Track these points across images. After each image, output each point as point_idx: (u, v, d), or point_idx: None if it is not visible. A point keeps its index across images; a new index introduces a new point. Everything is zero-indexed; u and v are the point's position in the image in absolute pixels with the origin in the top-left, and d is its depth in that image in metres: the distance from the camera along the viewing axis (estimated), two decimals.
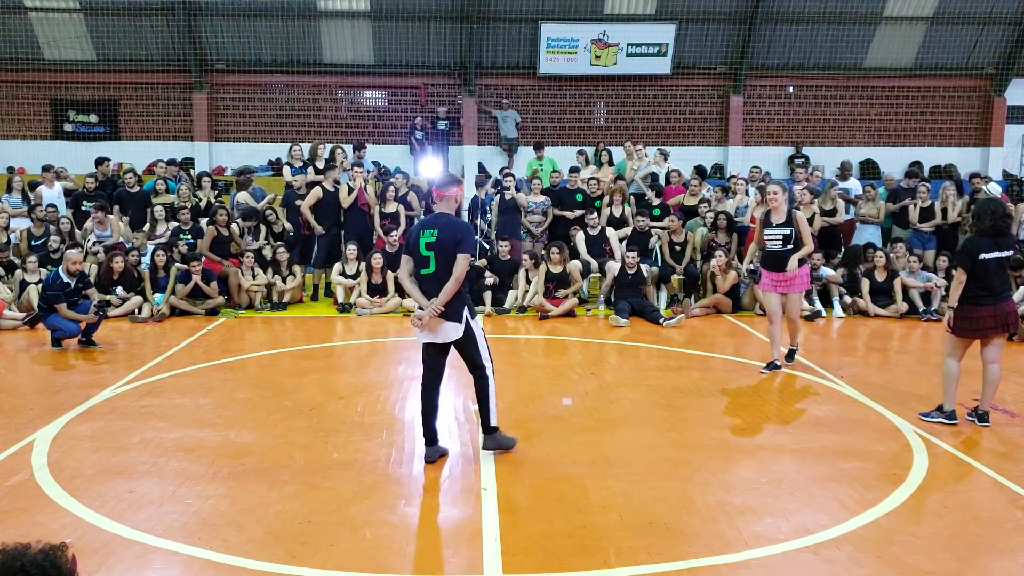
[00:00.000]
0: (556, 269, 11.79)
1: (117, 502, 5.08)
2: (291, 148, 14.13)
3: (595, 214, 12.74)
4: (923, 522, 4.97)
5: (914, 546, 4.60)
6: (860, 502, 5.16)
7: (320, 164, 13.47)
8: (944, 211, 13.21)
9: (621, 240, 12.79)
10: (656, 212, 13.21)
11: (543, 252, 12.23)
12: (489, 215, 13.77)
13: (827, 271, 12.11)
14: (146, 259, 12.19)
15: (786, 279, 8.42)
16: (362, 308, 11.73)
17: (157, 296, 11.60)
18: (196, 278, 11.49)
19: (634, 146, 15.09)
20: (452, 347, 5.89)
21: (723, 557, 4.44)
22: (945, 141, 20.33)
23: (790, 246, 8.35)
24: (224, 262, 12.35)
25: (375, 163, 17.05)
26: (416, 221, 13.78)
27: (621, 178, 14.58)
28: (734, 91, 19.79)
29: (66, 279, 9.59)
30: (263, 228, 13.14)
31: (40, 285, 10.37)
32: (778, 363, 8.55)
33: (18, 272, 11.60)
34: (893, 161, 19.13)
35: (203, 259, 11.84)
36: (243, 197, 13.58)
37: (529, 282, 11.93)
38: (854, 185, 14.39)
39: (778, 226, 8.39)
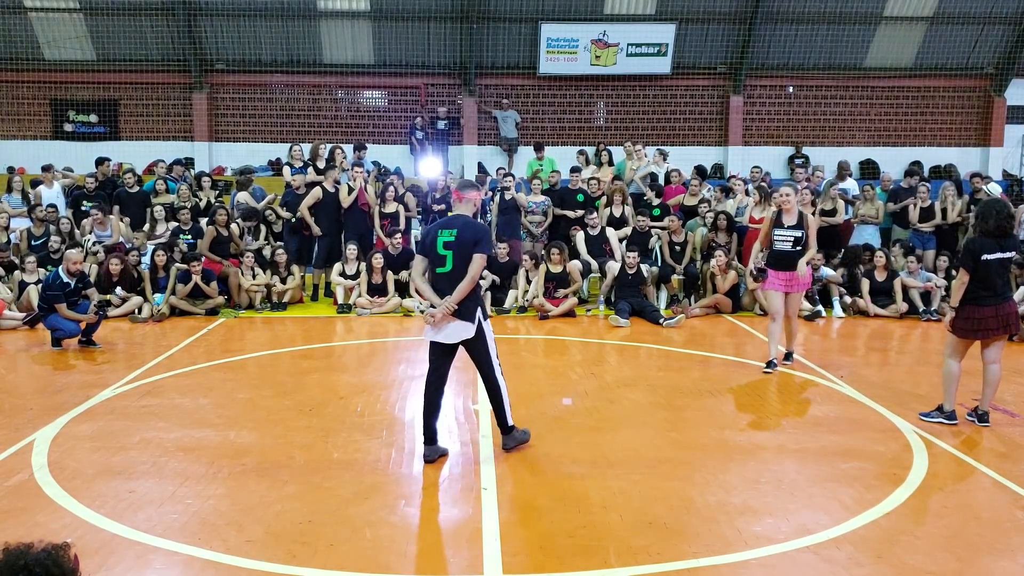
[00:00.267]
0: (556, 269, 11.79)
1: (117, 502, 5.08)
2: (291, 148, 14.13)
3: (595, 214, 12.74)
4: (923, 522, 4.97)
5: (914, 546, 4.60)
6: (860, 502, 5.16)
7: (321, 164, 13.47)
8: (944, 211, 13.21)
9: (621, 240, 12.79)
10: (656, 212, 13.21)
11: (543, 252, 12.23)
12: (489, 215, 13.77)
13: (827, 271, 12.11)
14: (146, 259, 12.18)
15: (793, 278, 8.52)
16: (362, 308, 11.73)
17: (157, 296, 11.60)
18: (196, 278, 11.49)
19: (634, 146, 15.09)
20: (461, 349, 5.88)
21: (723, 557, 4.44)
22: (945, 141, 20.34)
23: (799, 247, 8.46)
24: (224, 262, 12.35)
25: (375, 163, 17.05)
26: (414, 221, 13.89)
27: (619, 178, 14.59)
28: (734, 91, 19.80)
29: (66, 279, 9.59)
30: (263, 228, 13.14)
31: (40, 285, 10.37)
32: (775, 362, 8.60)
33: (17, 272, 11.60)
34: (893, 161, 19.14)
35: (203, 259, 11.84)
36: (243, 197, 13.58)
37: (529, 282, 11.93)
38: (852, 185, 14.38)
39: (789, 227, 8.47)
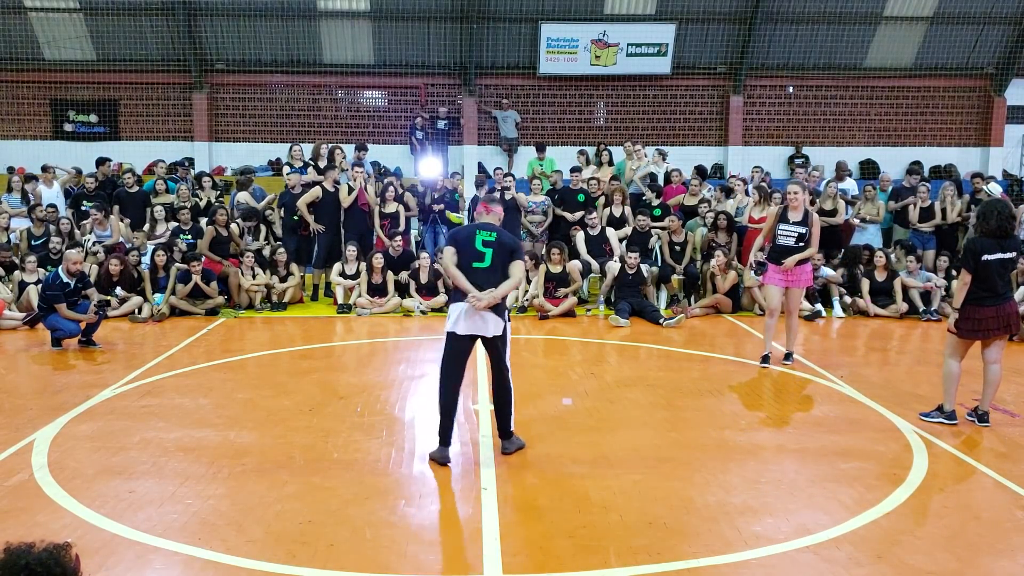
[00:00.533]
0: (556, 269, 11.79)
1: (117, 502, 5.08)
2: (291, 148, 14.13)
3: (594, 214, 12.74)
4: (923, 522, 4.98)
5: (914, 546, 4.60)
6: (860, 502, 5.16)
7: (323, 164, 13.47)
8: (944, 211, 13.20)
9: (621, 240, 12.79)
10: (657, 212, 13.21)
11: (543, 252, 12.23)
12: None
13: (827, 271, 12.11)
14: (146, 259, 12.18)
15: (793, 273, 8.62)
16: (362, 308, 11.73)
17: (157, 296, 11.60)
18: (196, 278, 11.49)
19: (634, 146, 15.10)
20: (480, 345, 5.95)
21: (723, 557, 4.45)
22: (945, 141, 20.34)
23: (802, 244, 8.58)
24: (224, 262, 12.35)
25: (374, 164, 17.05)
26: (414, 221, 13.88)
27: (616, 178, 14.59)
28: (734, 91, 19.79)
29: (66, 279, 9.58)
30: (263, 228, 13.13)
31: (40, 285, 10.37)
32: (770, 356, 8.77)
33: (17, 272, 11.59)
34: (893, 161, 19.13)
35: (203, 259, 11.84)
36: (243, 197, 13.58)
37: (529, 282, 11.93)
38: (851, 186, 14.38)
39: (795, 223, 8.61)
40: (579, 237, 12.70)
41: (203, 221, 12.85)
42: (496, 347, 5.91)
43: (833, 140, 20.20)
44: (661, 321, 11.04)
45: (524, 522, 4.89)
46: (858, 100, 20.19)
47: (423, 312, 11.72)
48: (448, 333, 5.88)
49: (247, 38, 18.96)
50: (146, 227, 13.01)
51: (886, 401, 7.42)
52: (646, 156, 15.04)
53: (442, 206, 13.75)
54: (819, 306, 11.86)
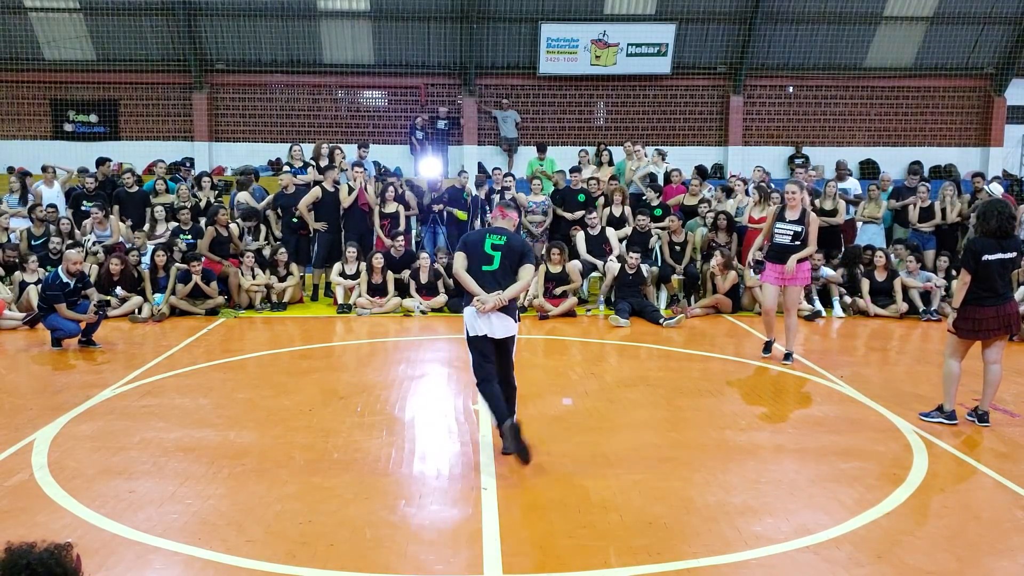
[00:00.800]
0: (556, 269, 11.79)
1: (117, 502, 5.08)
2: (291, 148, 14.13)
3: (594, 214, 12.74)
4: (923, 522, 4.98)
5: (914, 546, 4.60)
6: (860, 502, 5.16)
7: (324, 163, 13.47)
8: (944, 211, 13.20)
9: (621, 240, 12.79)
10: (657, 212, 13.21)
11: (543, 252, 12.23)
12: (488, 215, 13.77)
13: (827, 271, 12.11)
14: (146, 259, 12.18)
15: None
16: (362, 308, 11.73)
17: (157, 296, 11.60)
18: (196, 278, 11.48)
19: (633, 146, 15.10)
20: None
21: (723, 557, 4.45)
22: (945, 141, 20.35)
23: (798, 243, 8.70)
24: (224, 262, 12.35)
25: (375, 163, 17.04)
26: (413, 221, 13.88)
27: (615, 179, 14.58)
28: (734, 91, 19.80)
29: (65, 279, 9.58)
30: (263, 228, 13.13)
31: (40, 285, 10.37)
32: (772, 341, 9.06)
33: (18, 272, 11.59)
34: (893, 161, 19.15)
35: (203, 259, 11.84)
36: (243, 197, 13.57)
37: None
38: (852, 185, 14.38)
39: (791, 222, 8.74)
40: (579, 237, 12.69)
41: (203, 221, 12.85)
42: (506, 347, 6.00)
43: (833, 140, 20.22)
44: (661, 321, 11.04)
45: (524, 522, 4.90)
46: (858, 100, 20.20)
47: (423, 312, 11.72)
48: (469, 338, 5.96)
49: (247, 38, 18.97)
50: (146, 227, 13.00)
51: (886, 401, 7.42)
52: (646, 156, 15.04)
53: (441, 206, 13.76)
54: (819, 306, 11.86)
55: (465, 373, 7.72)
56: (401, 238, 12.46)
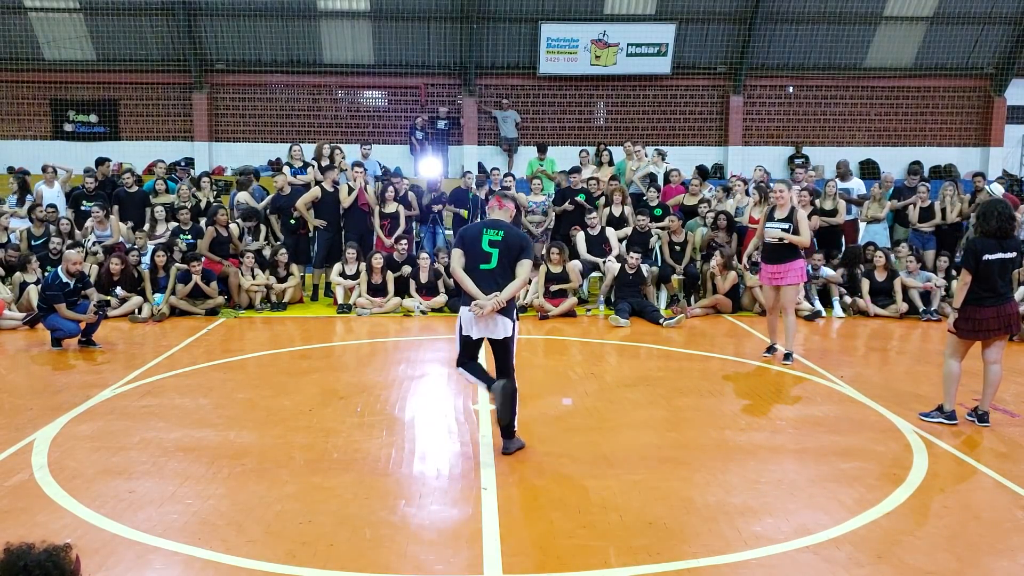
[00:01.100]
0: (556, 269, 11.78)
1: (117, 502, 5.08)
2: (291, 148, 14.12)
3: (594, 214, 12.75)
4: (923, 522, 4.97)
5: (914, 546, 4.60)
6: (860, 502, 5.16)
7: (325, 163, 13.47)
8: (944, 211, 13.20)
9: (621, 240, 12.79)
10: (657, 212, 13.21)
11: (543, 252, 12.23)
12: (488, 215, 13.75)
13: (827, 271, 12.11)
14: (146, 259, 12.18)
15: (780, 271, 8.82)
16: (362, 308, 11.73)
17: (157, 296, 11.60)
18: (196, 278, 11.48)
19: (633, 146, 15.09)
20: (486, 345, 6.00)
21: (723, 557, 4.44)
22: (945, 141, 20.35)
23: (787, 241, 8.78)
24: (224, 262, 12.35)
25: (379, 165, 17.03)
26: (413, 221, 13.87)
27: (615, 179, 14.58)
28: (734, 91, 19.80)
29: (65, 279, 9.58)
30: (263, 228, 13.13)
31: (39, 285, 10.36)
32: (773, 346, 9.07)
33: (18, 273, 11.59)
34: (893, 161, 19.14)
35: (203, 259, 11.84)
36: (243, 197, 13.58)
37: (529, 282, 11.92)
38: (855, 185, 14.37)
39: (780, 220, 8.85)
40: (579, 237, 12.69)
41: (203, 221, 12.85)
42: (504, 347, 5.89)
43: (833, 140, 20.21)
44: (661, 321, 11.04)
45: (524, 522, 4.89)
46: (858, 100, 20.20)
47: (423, 312, 11.72)
48: (461, 336, 5.93)
49: (247, 38, 18.97)
50: (146, 227, 13.00)
51: (886, 401, 7.42)
52: (646, 156, 15.04)
53: (440, 206, 13.75)
54: (819, 306, 11.86)
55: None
56: (404, 241, 12.44)
